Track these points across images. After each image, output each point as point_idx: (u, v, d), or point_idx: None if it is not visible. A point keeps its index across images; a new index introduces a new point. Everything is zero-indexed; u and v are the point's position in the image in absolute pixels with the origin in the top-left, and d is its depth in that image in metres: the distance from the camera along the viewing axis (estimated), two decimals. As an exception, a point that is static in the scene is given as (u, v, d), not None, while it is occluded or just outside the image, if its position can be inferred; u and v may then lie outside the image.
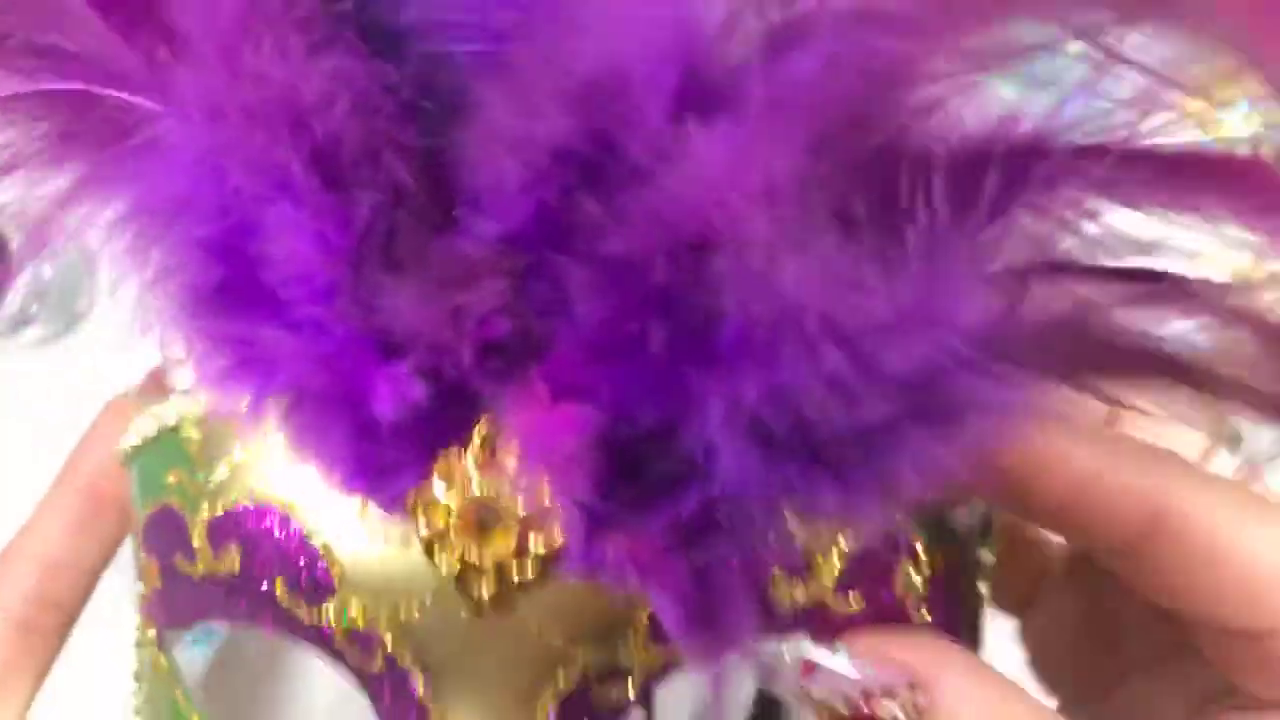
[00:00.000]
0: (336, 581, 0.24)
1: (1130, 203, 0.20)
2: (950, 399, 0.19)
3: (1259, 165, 0.20)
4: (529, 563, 0.22)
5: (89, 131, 0.23)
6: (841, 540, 0.25)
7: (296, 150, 0.20)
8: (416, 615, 0.24)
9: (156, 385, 0.30)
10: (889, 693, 0.24)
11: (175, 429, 0.27)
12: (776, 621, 0.24)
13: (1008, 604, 0.33)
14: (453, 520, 0.22)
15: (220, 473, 0.26)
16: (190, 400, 0.27)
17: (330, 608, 0.24)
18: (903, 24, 0.18)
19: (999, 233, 0.19)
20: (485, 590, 0.22)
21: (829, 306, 0.18)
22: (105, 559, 0.31)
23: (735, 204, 0.18)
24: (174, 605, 0.28)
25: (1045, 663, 0.33)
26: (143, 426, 0.28)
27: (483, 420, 0.21)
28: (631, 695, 0.24)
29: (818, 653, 0.25)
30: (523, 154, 0.19)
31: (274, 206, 0.20)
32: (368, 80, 0.20)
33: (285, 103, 0.20)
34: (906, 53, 0.18)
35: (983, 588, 0.30)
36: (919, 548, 0.26)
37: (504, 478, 0.21)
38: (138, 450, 0.28)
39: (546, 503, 0.21)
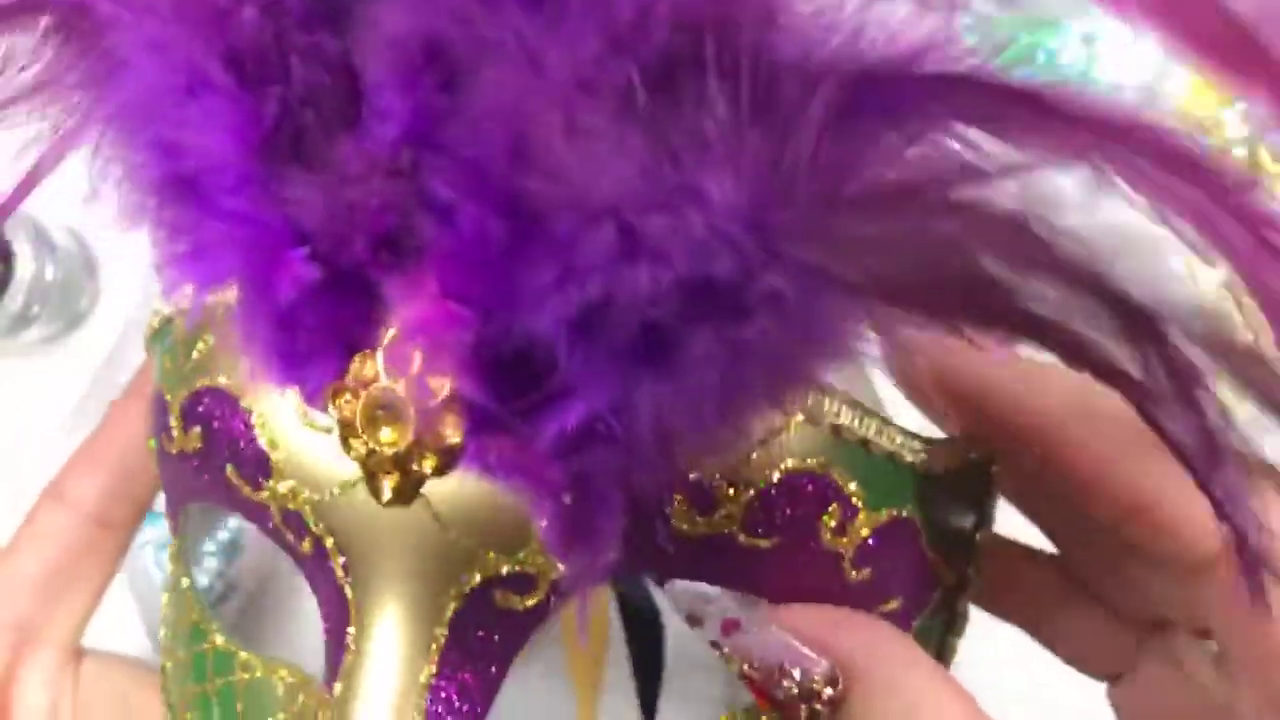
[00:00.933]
0: (272, 464, 0.26)
1: (1002, 136, 0.20)
2: (727, 293, 0.20)
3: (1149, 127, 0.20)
4: (428, 457, 0.23)
5: (78, 37, 0.25)
6: (758, 474, 0.25)
7: (213, 48, 0.22)
8: (338, 502, 0.26)
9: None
10: (805, 674, 0.25)
11: (169, 318, 0.29)
12: (678, 548, 0.25)
13: (1095, 669, 0.33)
14: (358, 412, 0.23)
15: (193, 358, 0.28)
16: (184, 292, 0.29)
17: (268, 489, 0.26)
18: None
19: (798, 147, 0.20)
20: (389, 481, 0.23)
21: (603, 183, 0.19)
22: None
23: (547, 93, 0.20)
24: (168, 487, 0.31)
25: None
26: (154, 318, 0.30)
27: (393, 320, 0.23)
28: (535, 601, 0.26)
29: (744, 614, 0.26)
30: (400, 53, 0.21)
31: (195, 102, 0.22)
32: None
33: (203, 3, 0.22)
34: None
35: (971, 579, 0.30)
36: (857, 502, 0.26)
37: (409, 375, 0.23)
38: (150, 338, 0.31)
39: (440, 399, 0.22)
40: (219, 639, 0.30)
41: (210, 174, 0.22)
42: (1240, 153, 0.52)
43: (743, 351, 0.20)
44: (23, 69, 0.25)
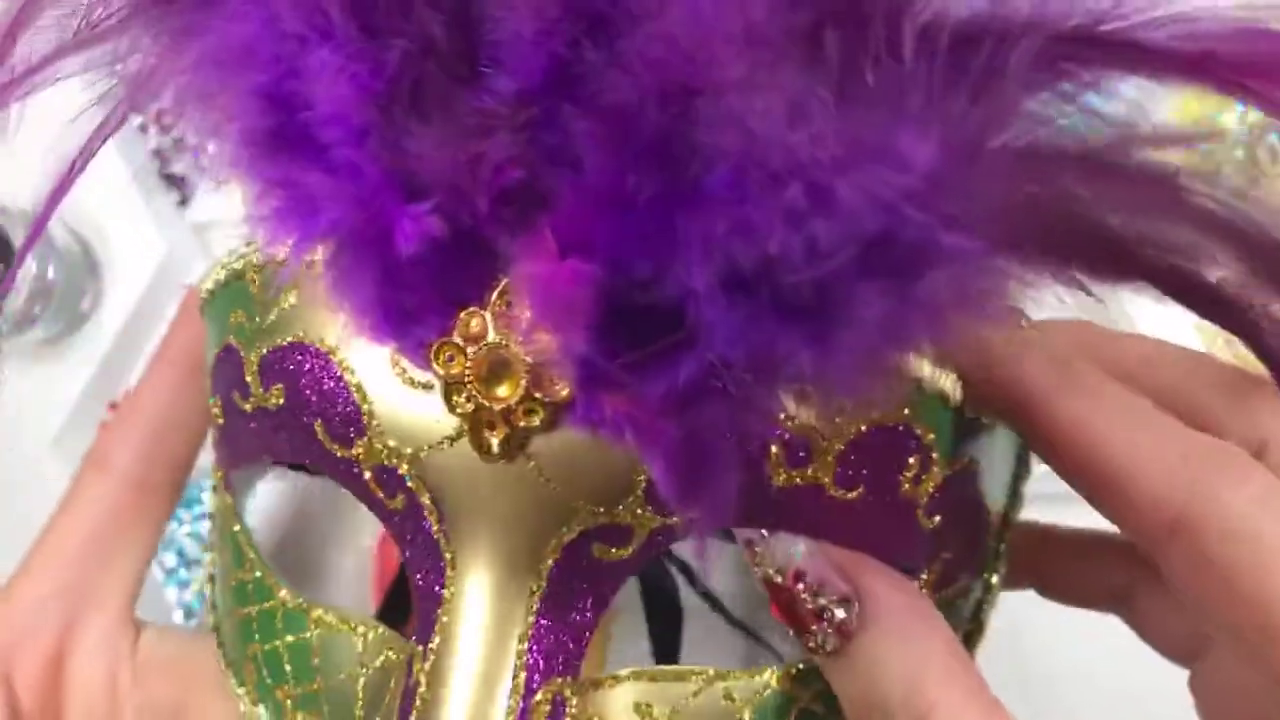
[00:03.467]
0: (366, 420, 0.26)
1: (1119, 75, 0.21)
2: (906, 251, 0.19)
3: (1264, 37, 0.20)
4: (536, 412, 0.23)
5: None
6: (851, 427, 0.25)
7: (343, 4, 0.22)
8: (435, 457, 0.25)
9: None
10: (823, 588, 0.25)
11: (240, 273, 0.29)
12: (769, 498, 0.25)
13: (1174, 653, 0.32)
14: (467, 368, 0.23)
15: (274, 313, 0.28)
16: (255, 248, 0.29)
17: (360, 445, 0.26)
18: None
19: (972, 95, 0.19)
20: (495, 436, 0.24)
21: (790, 140, 0.19)
22: (205, 419, 0.33)
23: (714, 46, 0.19)
24: (232, 444, 0.30)
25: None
26: (217, 275, 0.30)
27: (503, 279, 0.23)
28: (629, 553, 0.26)
29: (775, 537, 0.26)
30: (534, 6, 0.21)
31: (316, 51, 0.22)
32: None
33: None
34: None
35: (998, 567, 0.30)
36: (934, 453, 0.26)
37: (518, 330, 0.23)
38: (211, 295, 0.30)
39: (553, 355, 0.22)
40: (286, 595, 0.29)
41: (326, 125, 0.22)
42: (1240, 153, 0.53)
43: (908, 308, 0.20)
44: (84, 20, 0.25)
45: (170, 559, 0.59)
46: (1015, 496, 0.31)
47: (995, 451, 0.29)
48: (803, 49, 0.19)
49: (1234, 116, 0.52)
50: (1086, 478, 0.25)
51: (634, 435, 0.22)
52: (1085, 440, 0.24)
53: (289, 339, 0.27)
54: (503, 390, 0.23)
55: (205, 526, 0.59)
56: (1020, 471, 0.31)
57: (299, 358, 0.27)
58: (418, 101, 0.22)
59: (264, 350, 0.27)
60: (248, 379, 0.28)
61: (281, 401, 0.27)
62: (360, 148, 0.22)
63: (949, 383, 0.26)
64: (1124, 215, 0.21)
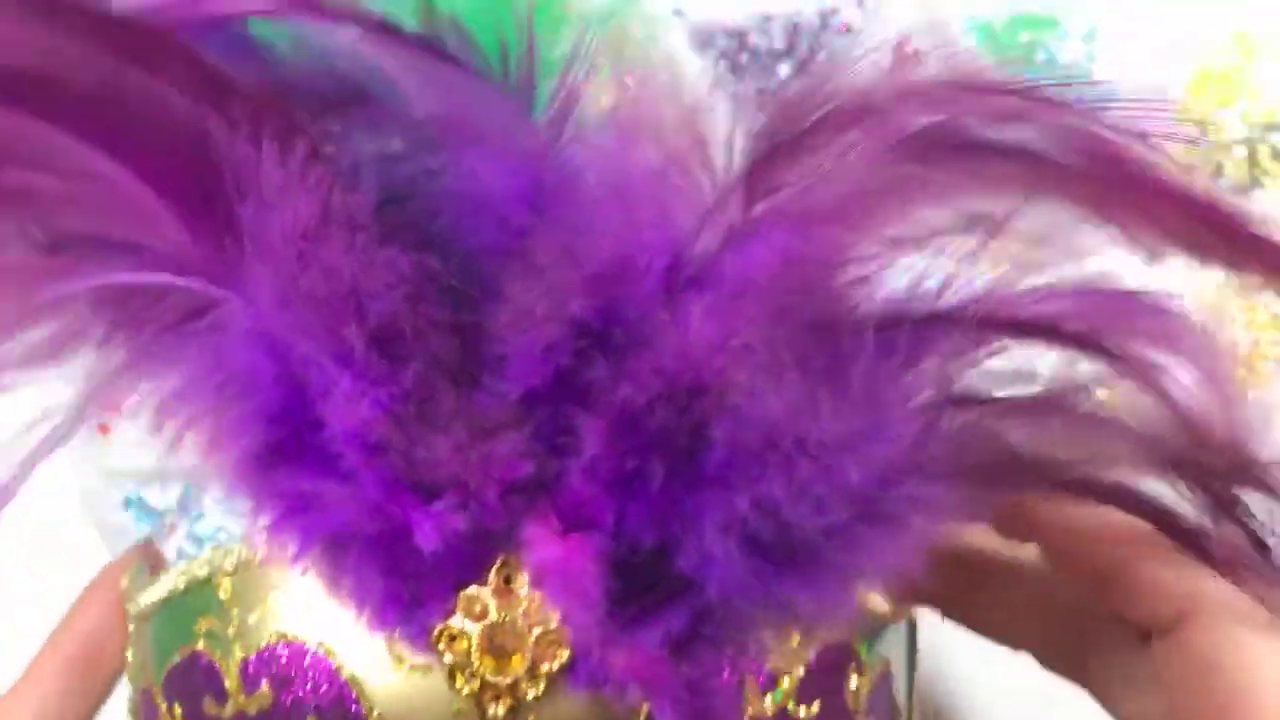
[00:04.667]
0: (365, 711, 0.26)
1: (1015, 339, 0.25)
2: (896, 503, 0.24)
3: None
4: (540, 679, 0.24)
5: (144, 314, 0.26)
6: (806, 651, 0.27)
7: (359, 330, 0.24)
8: None
9: (146, 555, 0.34)
10: None
11: (205, 579, 0.29)
12: None
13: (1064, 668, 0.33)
14: (473, 647, 0.24)
15: (254, 615, 0.28)
16: (223, 552, 0.29)
17: None
18: (834, 219, 0.24)
19: (917, 373, 0.24)
20: (499, 707, 0.25)
21: (797, 429, 0.23)
22: (93, 717, 0.34)
23: (720, 358, 0.23)
24: None
25: None
26: (168, 583, 0.30)
27: (500, 557, 0.25)
28: None
29: None
30: (544, 328, 0.24)
31: (336, 376, 0.24)
32: (415, 270, 0.24)
33: (351, 291, 0.24)
34: (839, 241, 0.24)
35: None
36: (864, 661, 0.29)
37: (518, 605, 0.24)
38: (163, 603, 0.30)
39: (555, 624, 0.24)
40: None
41: (343, 442, 0.24)
42: (1240, 152, 0.52)
43: (895, 550, 0.24)
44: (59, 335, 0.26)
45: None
46: (911, 687, 0.33)
47: (899, 650, 0.31)
48: (790, 353, 0.23)
49: (1236, 115, 0.52)
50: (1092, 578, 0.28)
51: (640, 688, 0.24)
52: (1088, 550, 0.28)
53: (275, 639, 0.27)
54: (504, 666, 0.24)
55: (204, 528, 0.59)
56: (913, 663, 0.33)
57: (288, 654, 0.27)
58: (429, 413, 0.24)
59: (247, 653, 0.28)
60: (227, 684, 0.28)
61: (269, 704, 0.27)
62: (373, 457, 0.24)
63: (876, 596, 0.29)
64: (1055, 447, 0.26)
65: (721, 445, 0.23)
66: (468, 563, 0.25)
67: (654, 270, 0.24)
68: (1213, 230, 0.25)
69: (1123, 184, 0.25)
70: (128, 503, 0.43)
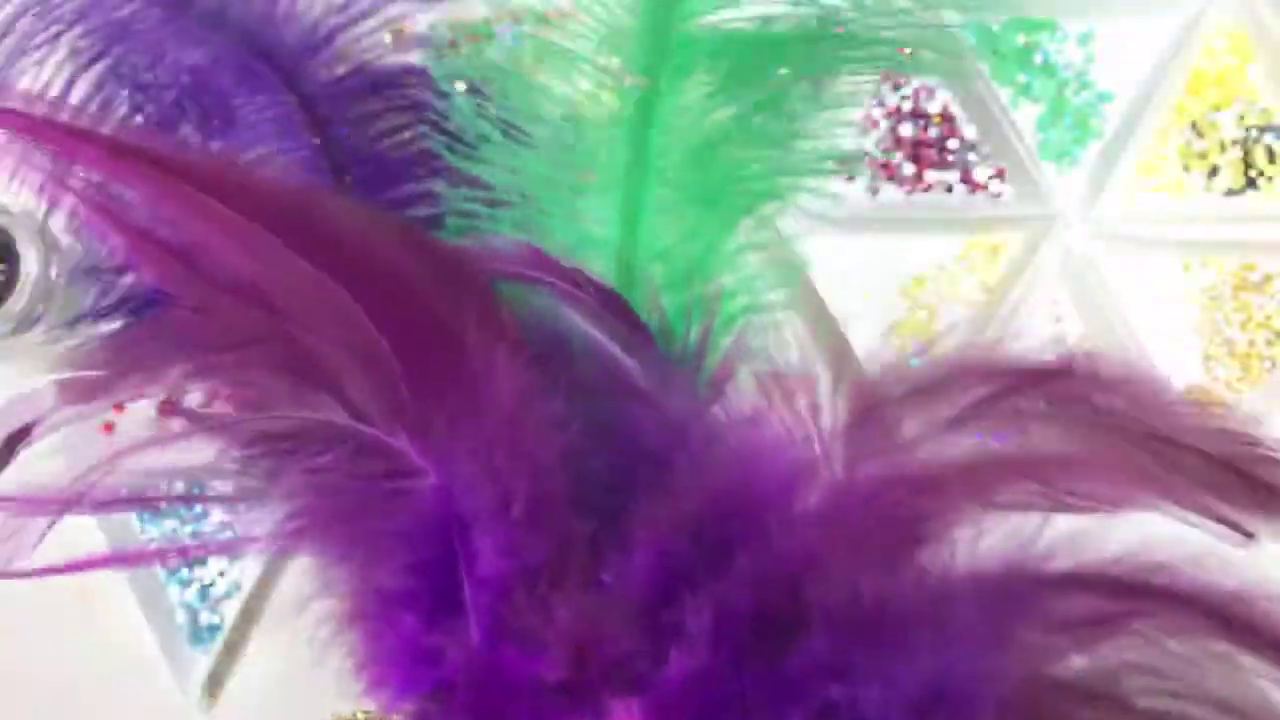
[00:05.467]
0: None
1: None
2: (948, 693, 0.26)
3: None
4: None
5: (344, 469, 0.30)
6: None
7: (527, 504, 0.27)
8: None
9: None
10: None
11: None
12: None
13: None
14: None
15: None
16: None
17: None
18: (924, 485, 0.27)
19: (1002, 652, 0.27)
20: None
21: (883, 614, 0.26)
22: None
23: (831, 558, 0.26)
24: None
25: None
26: None
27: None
28: None
29: None
30: (668, 543, 0.27)
31: (485, 528, 0.27)
32: (577, 457, 0.28)
33: (533, 473, 0.27)
34: (929, 507, 0.27)
35: None
36: None
37: None
38: None
39: None
40: None
41: (475, 591, 0.26)
42: (1236, 154, 0.53)
43: None
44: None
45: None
46: None
47: None
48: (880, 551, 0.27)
49: (1232, 117, 0.52)
50: None
51: None
52: None
53: None
54: None
55: (205, 526, 0.59)
56: None
57: None
58: (558, 580, 0.27)
59: None
60: None
61: None
62: (496, 613, 0.26)
63: None
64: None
65: (818, 633, 0.26)
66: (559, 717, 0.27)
67: (775, 503, 0.27)
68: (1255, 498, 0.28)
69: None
70: (130, 501, 0.43)
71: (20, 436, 0.32)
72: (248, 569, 0.54)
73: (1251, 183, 0.53)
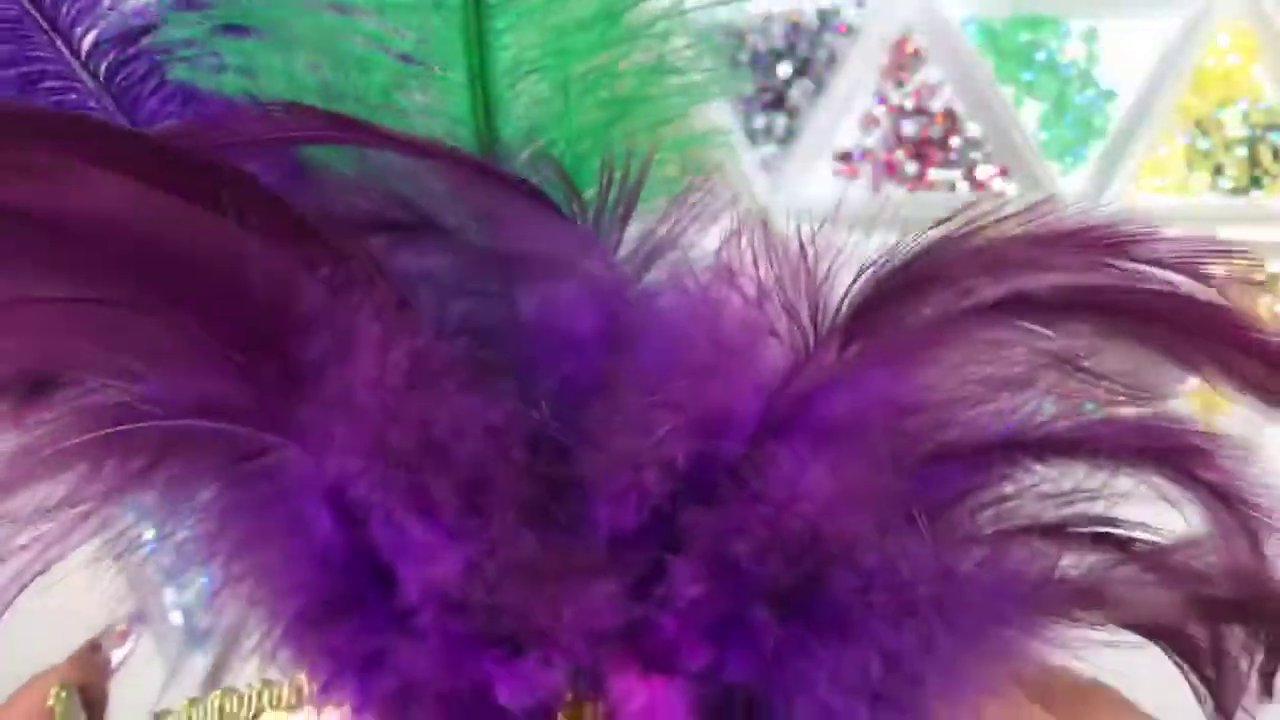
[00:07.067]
0: None
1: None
2: (983, 628, 0.24)
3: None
4: None
5: (197, 461, 0.25)
6: None
7: (448, 483, 0.23)
8: None
9: (91, 652, 0.32)
10: None
11: None
12: None
13: None
14: None
15: None
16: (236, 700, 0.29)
17: None
18: (925, 361, 0.24)
19: (991, 503, 0.24)
20: None
21: (912, 578, 0.23)
22: None
23: (838, 510, 0.23)
24: None
25: None
26: None
27: (587, 707, 0.25)
28: None
29: None
30: (637, 473, 0.23)
31: (416, 533, 0.23)
32: (507, 420, 0.23)
33: (440, 444, 0.23)
34: (930, 383, 0.24)
35: None
36: None
37: None
38: None
39: None
40: None
41: (421, 599, 0.23)
42: (1241, 152, 0.52)
43: (974, 677, 0.24)
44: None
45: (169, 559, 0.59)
46: None
47: None
48: (894, 501, 0.24)
49: (1236, 115, 0.52)
50: None
51: None
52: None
53: None
54: None
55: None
56: None
57: None
58: (515, 564, 0.23)
59: None
60: None
61: None
62: (452, 615, 0.23)
63: None
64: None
65: (838, 595, 0.23)
66: (554, 715, 0.25)
67: (749, 414, 0.24)
68: None
69: (1199, 332, 0.25)
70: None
71: None
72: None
73: (1256, 182, 0.52)
